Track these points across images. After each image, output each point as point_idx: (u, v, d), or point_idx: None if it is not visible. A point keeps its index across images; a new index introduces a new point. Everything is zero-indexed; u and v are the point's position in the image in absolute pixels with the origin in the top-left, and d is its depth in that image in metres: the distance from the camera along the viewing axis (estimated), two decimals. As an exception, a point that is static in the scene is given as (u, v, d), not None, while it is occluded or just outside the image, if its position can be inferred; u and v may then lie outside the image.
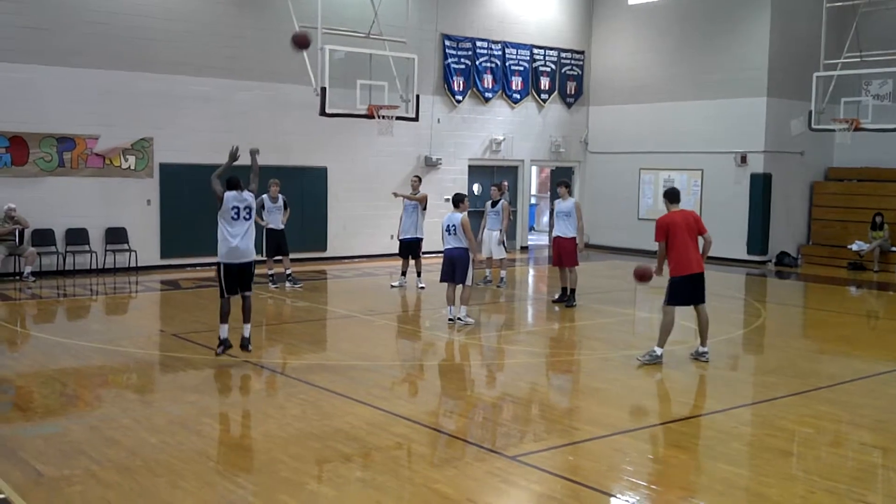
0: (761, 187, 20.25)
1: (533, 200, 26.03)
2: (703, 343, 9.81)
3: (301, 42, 13.75)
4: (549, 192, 27.53)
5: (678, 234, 9.51)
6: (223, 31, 17.47)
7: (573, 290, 13.56)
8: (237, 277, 9.41)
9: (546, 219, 26.13)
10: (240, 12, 17.72)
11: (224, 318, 9.45)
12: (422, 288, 14.82)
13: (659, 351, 9.58)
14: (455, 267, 11.70)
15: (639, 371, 9.40)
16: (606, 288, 16.38)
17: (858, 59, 17.15)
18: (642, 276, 9.94)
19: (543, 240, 24.16)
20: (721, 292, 16.74)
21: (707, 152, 21.01)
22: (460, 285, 11.77)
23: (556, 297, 13.87)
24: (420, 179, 15.77)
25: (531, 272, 19.38)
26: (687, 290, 9.57)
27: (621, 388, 9.03)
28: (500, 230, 15.24)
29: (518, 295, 15.66)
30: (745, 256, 20.42)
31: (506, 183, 18.18)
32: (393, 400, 8.19)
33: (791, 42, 19.86)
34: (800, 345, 11.97)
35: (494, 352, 10.91)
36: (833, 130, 17.66)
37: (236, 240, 9.28)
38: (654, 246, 9.85)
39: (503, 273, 15.55)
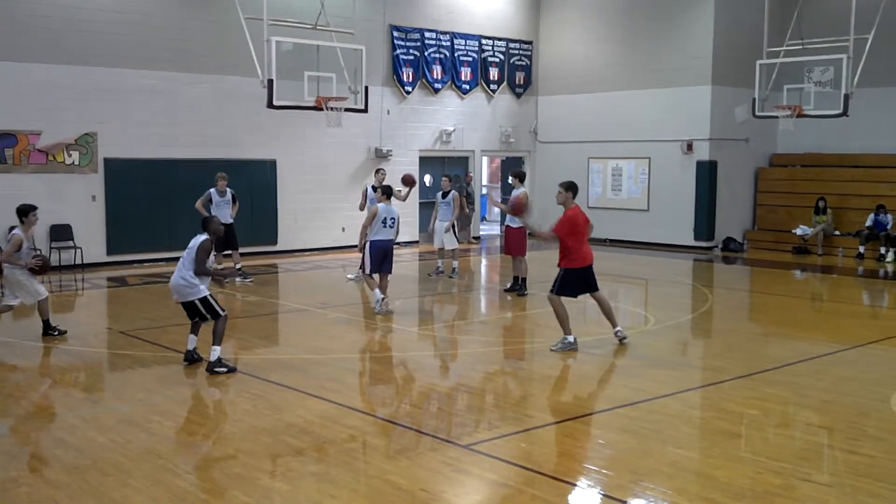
0: (707, 174, 20.58)
1: (484, 191, 26.08)
2: (614, 325, 9.91)
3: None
4: (500, 182, 27.65)
5: (579, 228, 9.63)
6: (168, 24, 17.18)
7: (524, 279, 13.65)
8: (187, 312, 8.88)
9: (497, 209, 26.20)
10: (185, 4, 17.44)
11: (192, 329, 9.00)
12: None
13: (571, 338, 9.66)
14: (388, 258, 11.89)
15: (590, 357, 9.51)
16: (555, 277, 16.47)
17: (801, 47, 17.47)
18: (517, 209, 10.55)
19: (496, 230, 24.25)
20: (669, 278, 17.02)
21: (654, 141, 21.27)
22: (386, 274, 12.03)
23: (508, 286, 13.95)
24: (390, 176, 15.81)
25: (483, 262, 19.46)
26: (579, 282, 9.69)
27: (573, 375, 9.14)
28: (453, 221, 15.25)
29: (470, 285, 15.71)
30: (692, 242, 20.76)
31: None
32: (346, 392, 8.17)
33: (735, 30, 20.17)
34: (746, 328, 12.21)
35: (447, 342, 10.94)
36: (776, 117, 17.98)
37: (172, 277, 8.82)
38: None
39: (455, 263, 15.58)
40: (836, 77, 16.94)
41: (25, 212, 10.27)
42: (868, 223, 19.14)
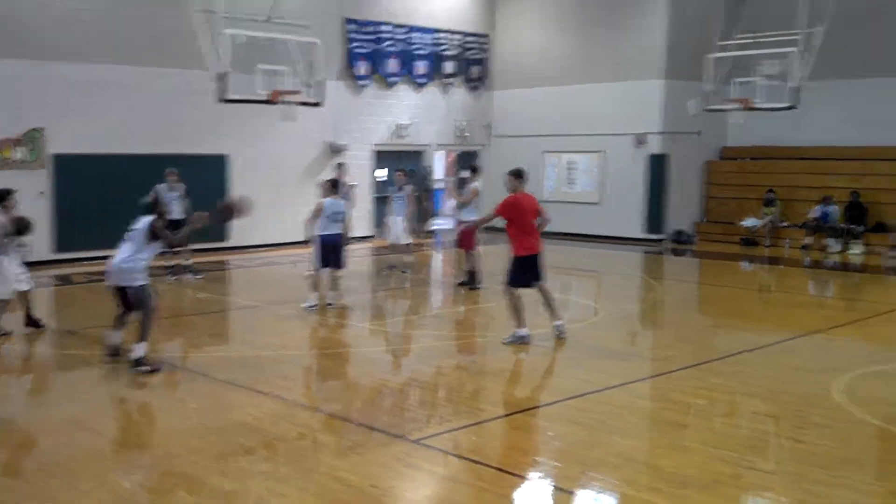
0: (658, 168, 20.82)
1: (438, 185, 26.06)
2: (556, 318, 9.90)
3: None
4: (455, 176, 27.64)
5: (525, 215, 9.67)
6: (116, 17, 16.85)
7: (476, 273, 13.68)
8: (118, 299, 8.62)
9: (452, 203, 26.20)
10: (132, -4, 17.13)
11: (114, 323, 8.77)
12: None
13: (523, 331, 9.67)
14: (336, 252, 11.78)
15: (541, 350, 9.56)
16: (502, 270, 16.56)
17: (751, 41, 17.72)
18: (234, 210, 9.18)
19: (450, 224, 24.22)
20: (619, 270, 17.21)
21: (607, 134, 21.44)
22: (336, 270, 11.94)
23: (461, 280, 13.97)
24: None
25: (437, 256, 19.46)
26: (529, 270, 9.73)
27: (524, 367, 9.19)
28: (407, 215, 15.21)
29: (423, 279, 15.71)
30: (644, 235, 20.99)
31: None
32: (297, 390, 8.13)
33: (686, 25, 20.41)
34: (695, 319, 12.39)
35: (400, 337, 10.93)
36: (726, 110, 18.24)
37: (112, 259, 8.59)
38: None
39: (408, 258, 15.57)
40: (786, 71, 17.21)
41: (2, 196, 9.96)
42: (814, 215, 19.53)
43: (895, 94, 19.47)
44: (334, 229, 11.74)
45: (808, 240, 19.38)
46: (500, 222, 9.96)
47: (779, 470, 6.01)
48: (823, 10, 16.46)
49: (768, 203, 20.36)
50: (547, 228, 10.02)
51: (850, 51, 19.35)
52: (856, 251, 18.63)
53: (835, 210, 19.31)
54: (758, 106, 17.47)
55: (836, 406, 7.49)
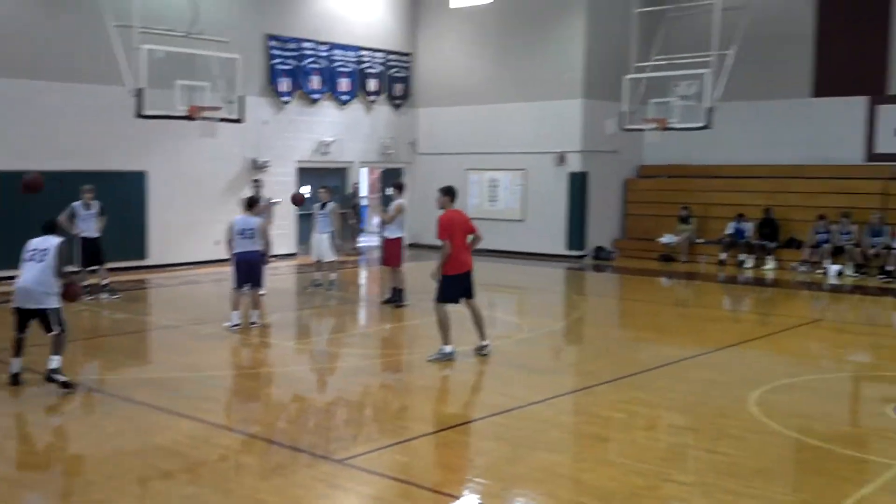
0: (579, 185, 21.21)
1: (364, 202, 26.01)
2: (482, 337, 9.96)
3: (31, 186, 11.15)
4: (379, 194, 27.63)
5: (457, 233, 9.80)
6: (32, 31, 16.34)
7: (402, 290, 13.69)
8: (26, 319, 8.45)
9: (377, 220, 26.19)
10: (48, 9, 16.64)
11: (13, 350, 8.50)
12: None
13: (448, 349, 9.74)
14: (252, 271, 11.64)
15: (466, 366, 9.62)
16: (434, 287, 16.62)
17: (666, 62, 18.23)
18: (31, 186, 10.68)
19: (375, 241, 24.20)
20: (542, 286, 17.43)
21: (529, 152, 21.76)
22: (256, 289, 11.78)
23: (386, 297, 13.95)
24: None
25: (362, 274, 19.39)
26: (460, 288, 9.84)
27: (450, 384, 9.23)
28: (331, 232, 15.12)
29: (349, 297, 15.62)
30: (565, 252, 21.32)
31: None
32: (218, 411, 7.99)
33: (605, 46, 20.89)
34: (615, 334, 12.63)
35: (325, 356, 10.84)
36: (643, 130, 18.70)
37: (20, 281, 8.39)
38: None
39: (333, 276, 15.48)
40: (700, 92, 17.72)
41: None
42: (729, 231, 20.15)
43: (803, 114, 20.31)
44: (247, 246, 11.57)
45: (723, 255, 19.98)
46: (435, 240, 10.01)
47: (695, 481, 6.16)
48: (735, 33, 17.06)
49: (684, 220, 20.92)
50: (468, 246, 10.08)
51: (762, 73, 20.12)
52: (768, 266, 19.28)
53: (748, 227, 19.96)
54: (673, 126, 17.96)
55: (750, 418, 7.72)
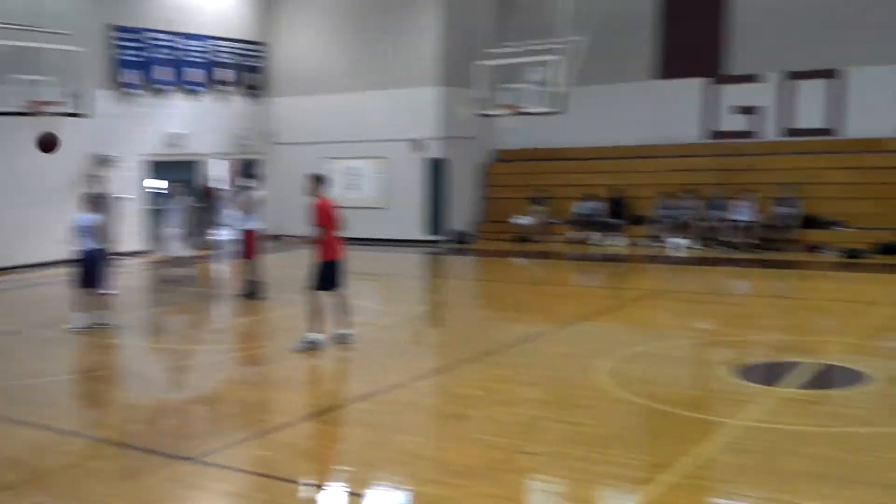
0: (438, 172, 21.44)
1: (219, 195, 25.34)
2: (346, 326, 9.95)
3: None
4: (235, 186, 27.00)
5: (331, 220, 9.79)
6: None
7: (259, 283, 13.47)
8: None
9: (233, 212, 25.60)
10: None
11: None
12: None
13: (315, 336, 9.66)
14: (93, 269, 11.16)
15: (329, 354, 9.57)
16: (294, 278, 16.44)
17: (520, 49, 18.62)
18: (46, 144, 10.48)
19: (232, 234, 23.65)
20: (403, 273, 17.57)
21: (388, 140, 21.81)
22: (99, 288, 11.29)
23: (244, 291, 13.68)
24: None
25: (219, 268, 18.91)
26: (334, 275, 9.85)
27: (312, 374, 9.18)
28: (184, 227, 14.70)
29: (205, 293, 15.23)
30: (428, 237, 21.53)
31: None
32: (64, 417, 7.64)
33: (460, 33, 21.13)
34: (474, 315, 12.89)
35: (180, 354, 10.54)
36: (497, 116, 19.07)
37: None
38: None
39: (187, 271, 15.05)
40: (552, 78, 18.19)
41: None
42: (580, 210, 20.89)
43: (647, 96, 21.24)
44: (87, 244, 11.05)
45: (576, 234, 20.70)
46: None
47: (549, 451, 6.39)
48: (586, 21, 17.61)
49: (538, 202, 21.52)
50: (339, 234, 10.07)
51: (608, 57, 20.85)
52: (618, 243, 20.11)
53: (599, 206, 20.74)
54: (527, 111, 18.39)
55: (601, 388, 8.06)
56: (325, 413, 7.69)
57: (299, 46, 23.12)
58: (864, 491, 5.53)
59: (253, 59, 23.00)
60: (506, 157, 23.40)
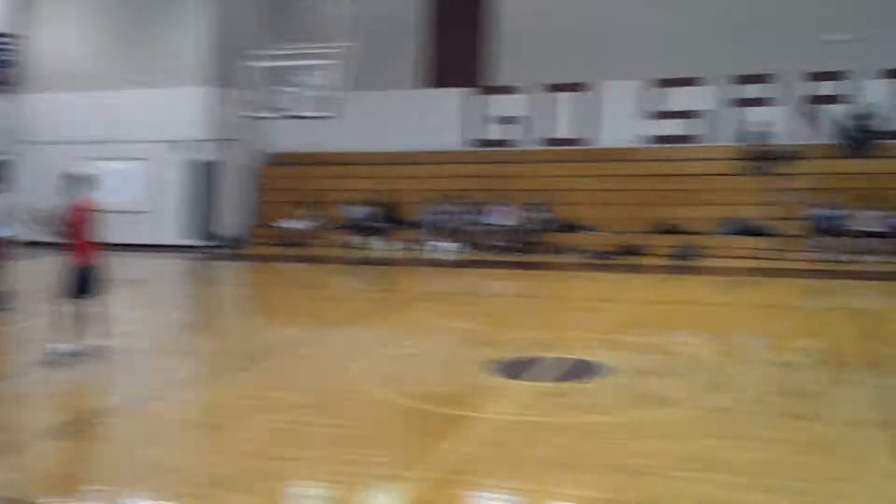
0: (206, 175, 20.78)
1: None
2: (102, 336, 9.40)
3: None
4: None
5: (85, 223, 9.26)
6: None
7: (5, 293, 12.40)
8: None
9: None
10: None
11: None
12: None
13: (66, 347, 9.05)
14: None
15: (79, 367, 8.96)
16: (47, 285, 15.30)
17: (294, 52, 18.44)
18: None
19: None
20: (166, 279, 16.85)
21: (153, 141, 20.88)
22: None
23: (-14, 301, 12.53)
24: None
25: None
26: (88, 282, 9.31)
27: (56, 389, 8.55)
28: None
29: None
30: (195, 242, 20.80)
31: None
32: None
33: (229, 33, 20.62)
34: (240, 321, 12.60)
35: None
36: (267, 118, 18.80)
37: None
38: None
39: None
40: (324, 82, 18.20)
41: None
42: (349, 215, 21.10)
43: (416, 104, 21.80)
44: None
45: (348, 238, 20.83)
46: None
47: (309, 456, 6.32)
48: (357, 26, 17.74)
49: (309, 206, 21.46)
50: (96, 239, 9.44)
51: (380, 65, 21.18)
52: (388, 247, 20.45)
53: (369, 210, 21.00)
54: (299, 115, 18.27)
55: (364, 390, 8.11)
56: (71, 429, 7.18)
57: (58, 40, 21.64)
58: (610, 476, 5.92)
59: (5, 53, 21.20)
60: (279, 161, 23.09)
